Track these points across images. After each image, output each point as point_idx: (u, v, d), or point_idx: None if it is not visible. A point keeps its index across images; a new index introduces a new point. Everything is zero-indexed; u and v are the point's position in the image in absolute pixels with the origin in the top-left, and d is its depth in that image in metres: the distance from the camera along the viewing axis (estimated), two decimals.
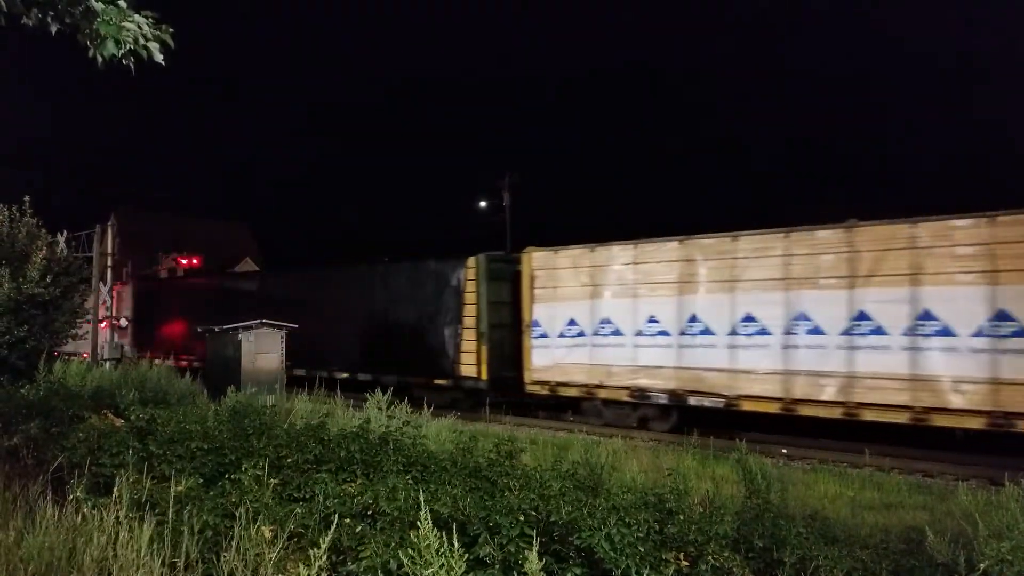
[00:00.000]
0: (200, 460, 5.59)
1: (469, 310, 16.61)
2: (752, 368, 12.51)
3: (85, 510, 4.60)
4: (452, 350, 16.91)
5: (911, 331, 11.00)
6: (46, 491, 5.35)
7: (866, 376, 11.37)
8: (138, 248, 44.56)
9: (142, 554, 4.16)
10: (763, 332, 12.43)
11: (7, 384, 10.28)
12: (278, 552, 3.99)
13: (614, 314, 14.34)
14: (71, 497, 4.98)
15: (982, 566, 3.67)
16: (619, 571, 3.52)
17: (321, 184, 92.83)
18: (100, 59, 4.25)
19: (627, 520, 3.89)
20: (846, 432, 12.08)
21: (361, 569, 3.70)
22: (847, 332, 11.59)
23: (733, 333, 12.74)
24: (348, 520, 4.22)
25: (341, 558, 3.98)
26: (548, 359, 15.24)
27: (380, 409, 8.45)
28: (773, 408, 12.28)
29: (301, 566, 3.57)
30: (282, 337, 15.54)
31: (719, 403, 12.82)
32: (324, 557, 3.64)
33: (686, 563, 3.82)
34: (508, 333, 16.45)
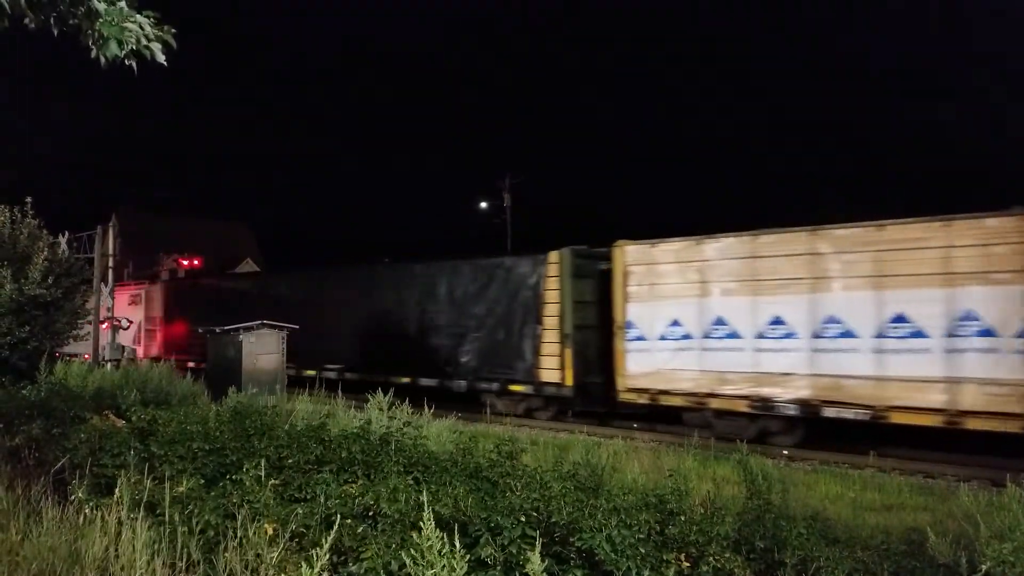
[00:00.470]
0: (201, 461, 5.59)
1: (550, 310, 15.28)
2: (906, 375, 11.03)
3: (87, 510, 4.62)
4: (530, 354, 15.54)
5: None
6: (48, 492, 5.37)
7: None
8: (139, 249, 44.60)
9: (143, 555, 4.17)
10: (918, 334, 11.04)
11: (9, 385, 10.29)
12: (279, 553, 3.99)
13: (729, 314, 12.80)
14: (73, 498, 5.00)
15: (983, 567, 3.67)
16: (620, 572, 3.52)
17: (320, 184, 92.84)
18: (103, 60, 4.26)
19: (628, 521, 3.89)
20: (846, 434, 12.08)
21: (363, 570, 3.70)
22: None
23: (880, 336, 11.31)
24: (349, 521, 4.22)
25: (342, 559, 3.98)
26: (646, 364, 13.73)
27: (381, 410, 8.45)
28: (934, 421, 10.81)
29: (303, 566, 3.58)
30: (283, 338, 15.56)
31: (864, 415, 11.37)
32: (326, 558, 3.64)
33: (687, 564, 3.82)
34: (593, 335, 15.15)
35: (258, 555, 4.02)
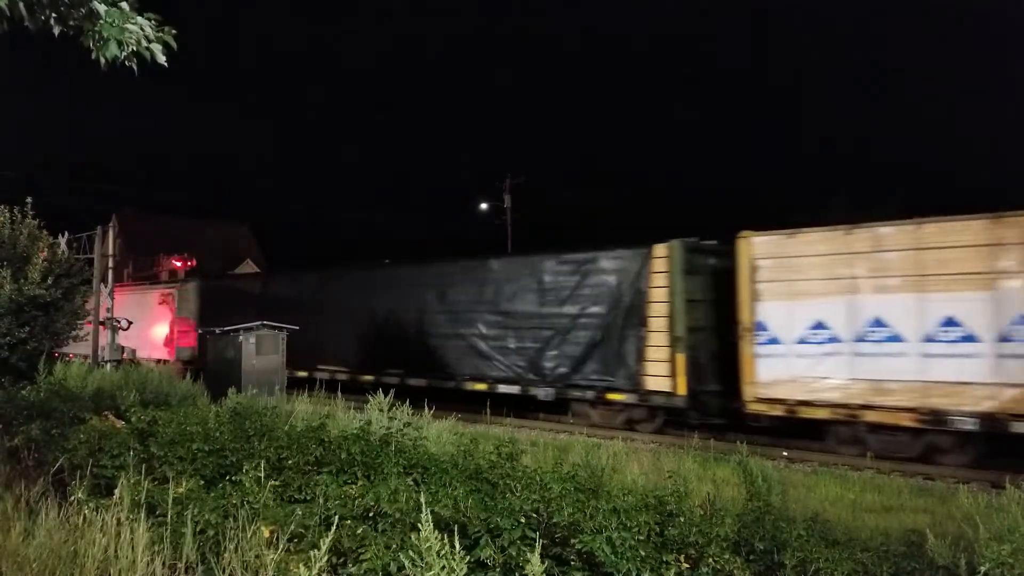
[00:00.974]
0: (201, 462, 5.60)
1: (658, 309, 13.67)
2: None
3: (86, 511, 4.62)
4: (634, 359, 13.93)
5: None
6: (47, 492, 5.37)
7: None
8: (139, 249, 44.65)
9: (143, 555, 4.18)
10: None
11: (8, 385, 10.30)
12: (279, 553, 3.99)
13: (888, 314, 11.29)
14: (72, 498, 5.00)
15: (982, 569, 3.67)
16: (620, 574, 3.52)
17: (320, 185, 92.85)
18: (103, 61, 4.27)
19: (628, 523, 3.89)
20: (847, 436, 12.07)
21: (362, 571, 3.70)
22: None
23: None
24: (349, 522, 4.23)
25: (342, 560, 3.99)
26: (782, 371, 12.16)
27: (381, 411, 8.45)
28: None
29: (302, 567, 3.58)
30: (282, 339, 15.55)
31: None
32: (324, 559, 3.64)
33: (687, 566, 3.82)
34: (706, 338, 13.70)
35: (258, 556, 4.03)
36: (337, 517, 4.16)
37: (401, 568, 3.47)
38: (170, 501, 4.55)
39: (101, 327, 21.92)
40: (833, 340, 11.77)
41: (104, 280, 22.33)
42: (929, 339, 10.94)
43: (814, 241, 12.10)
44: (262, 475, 5.08)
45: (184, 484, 5.03)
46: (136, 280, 35.24)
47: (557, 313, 15.19)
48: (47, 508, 4.79)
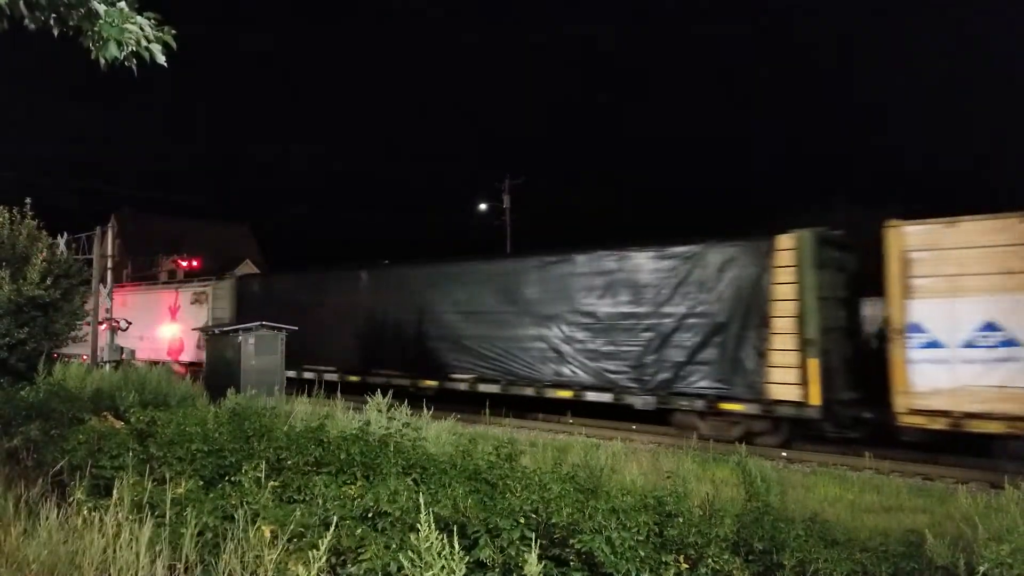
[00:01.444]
0: (200, 462, 5.59)
1: (785, 308, 12.18)
2: None
3: (85, 512, 4.62)
4: (753, 365, 12.43)
5: None
6: (47, 493, 5.37)
7: None
8: (138, 250, 44.69)
9: (142, 556, 4.18)
10: None
11: (7, 386, 10.29)
12: (278, 554, 3.99)
13: None
14: (72, 499, 5.00)
15: (981, 569, 3.68)
16: (620, 574, 3.52)
17: (319, 186, 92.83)
18: (102, 61, 4.26)
19: (627, 523, 3.89)
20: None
21: (361, 571, 3.70)
22: None
23: None
24: (348, 522, 4.23)
25: (341, 560, 3.99)
26: (943, 379, 10.80)
27: (380, 411, 8.45)
28: None
29: (301, 568, 3.58)
30: (281, 339, 15.54)
31: None
32: (324, 559, 3.64)
33: (686, 566, 3.82)
34: (840, 340, 12.34)
35: (257, 556, 4.03)
36: (336, 517, 4.16)
37: (400, 568, 3.47)
38: (169, 502, 4.56)
39: (104, 326, 21.94)
40: (1009, 343, 10.46)
41: (103, 280, 22.33)
42: None
43: (981, 231, 10.74)
44: (261, 476, 5.08)
45: (183, 485, 5.03)
46: (136, 280, 35.21)
47: (656, 312, 13.70)
48: (46, 509, 4.80)
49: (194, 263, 38.31)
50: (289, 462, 5.64)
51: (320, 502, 4.64)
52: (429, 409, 9.59)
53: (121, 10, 4.23)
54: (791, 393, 12.01)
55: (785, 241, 12.36)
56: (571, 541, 3.77)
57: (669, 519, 4.24)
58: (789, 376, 12.06)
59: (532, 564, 3.30)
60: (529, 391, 15.41)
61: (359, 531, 4.07)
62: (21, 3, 4.12)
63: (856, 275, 12.83)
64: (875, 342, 12.32)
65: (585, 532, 3.75)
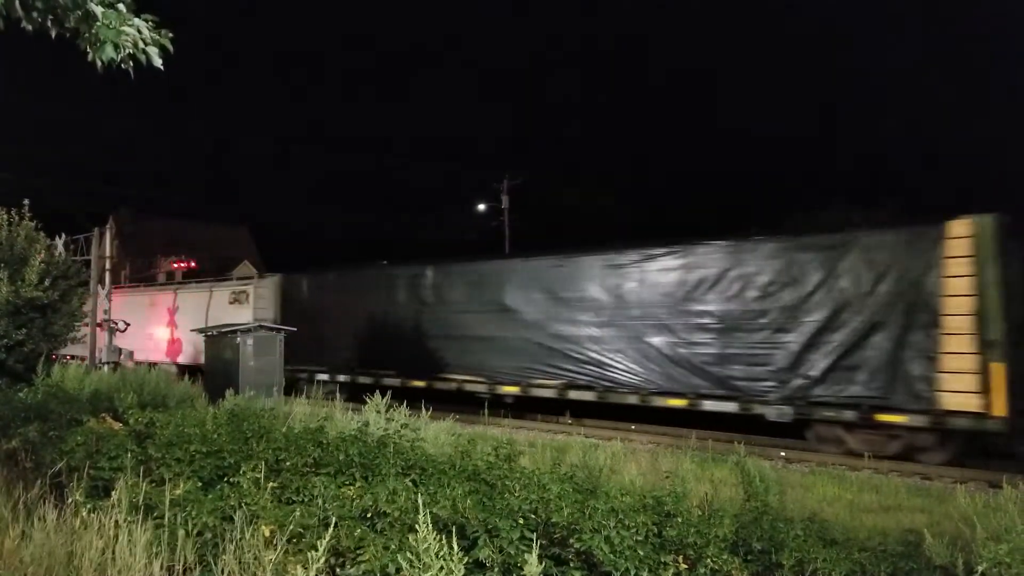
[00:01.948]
0: (199, 463, 5.59)
1: (959, 305, 10.70)
2: None
3: (84, 514, 4.62)
4: (920, 369, 10.91)
5: None
6: (45, 495, 5.36)
7: None
8: (136, 251, 44.67)
9: (140, 557, 4.18)
10: None
11: (5, 387, 10.29)
12: (277, 555, 3.99)
13: None
14: (70, 501, 5.00)
15: (980, 568, 3.68)
16: (619, 574, 3.53)
17: (319, 186, 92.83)
18: (99, 63, 4.26)
19: (626, 523, 3.90)
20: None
21: (360, 572, 3.70)
22: None
23: None
24: (347, 522, 4.23)
25: (340, 560, 3.99)
26: None
27: (379, 412, 8.45)
28: None
29: (299, 568, 3.58)
30: (280, 340, 15.55)
31: None
32: (322, 560, 3.64)
33: (685, 566, 3.83)
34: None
35: (256, 557, 4.03)
36: (335, 518, 4.16)
37: (399, 569, 3.47)
38: (167, 503, 4.55)
39: (101, 328, 21.91)
40: None
41: (101, 282, 22.32)
42: None
43: None
44: (260, 477, 5.08)
45: (182, 486, 5.02)
46: (134, 281, 35.20)
47: (794, 310, 12.18)
48: (44, 511, 4.79)
49: (191, 264, 38.32)
50: (288, 463, 5.64)
51: (319, 503, 4.64)
52: (427, 410, 9.63)
53: (118, 12, 4.23)
54: (968, 403, 10.45)
55: (959, 228, 10.82)
56: (570, 541, 3.77)
57: (668, 519, 4.24)
58: (966, 383, 10.50)
59: (531, 564, 3.30)
60: (632, 399, 13.96)
61: (358, 532, 4.07)
62: (18, 4, 4.12)
63: None
64: None
65: (584, 532, 3.76)
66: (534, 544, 3.54)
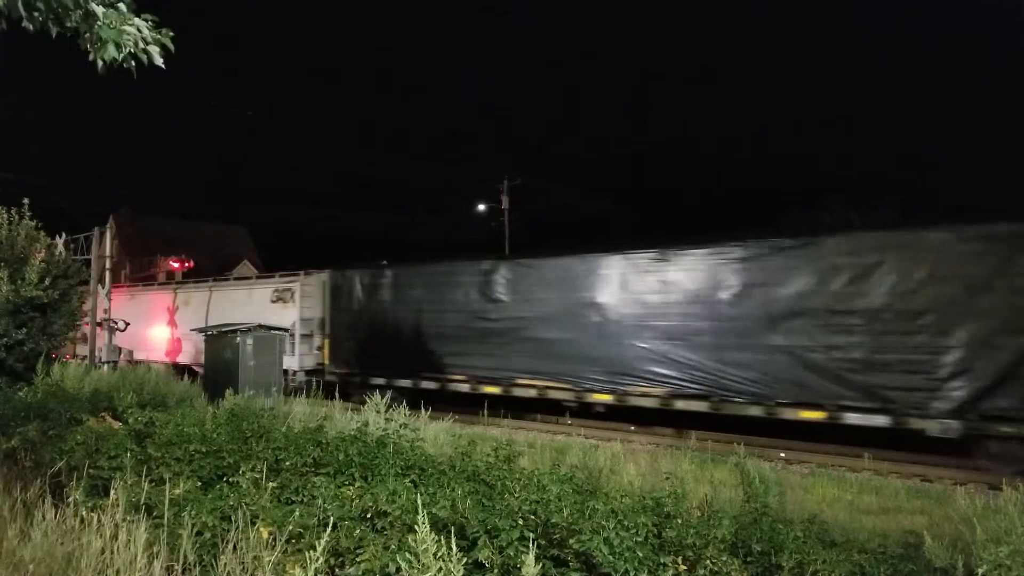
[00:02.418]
0: (198, 463, 5.59)
1: None
2: None
3: (83, 513, 4.62)
4: None
5: None
6: (44, 494, 5.36)
7: None
8: (136, 251, 44.68)
9: (140, 557, 4.17)
10: None
11: (5, 387, 10.29)
12: (276, 555, 3.99)
13: None
14: (69, 500, 5.00)
15: (980, 571, 3.68)
16: (618, 575, 3.53)
17: (318, 186, 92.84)
18: (100, 63, 4.26)
19: (625, 524, 3.89)
20: (842, 437, 12.10)
21: (360, 572, 3.70)
22: None
23: None
24: (346, 523, 4.23)
25: (339, 560, 3.99)
26: None
27: (378, 412, 8.45)
28: None
29: (299, 568, 3.58)
30: (279, 340, 15.56)
31: None
32: (322, 560, 3.64)
33: (684, 567, 3.82)
34: None
35: (255, 557, 4.03)
36: (334, 518, 4.16)
37: (399, 569, 3.47)
38: (167, 502, 4.55)
39: (100, 327, 21.91)
40: None
41: (101, 281, 22.32)
42: None
43: None
44: (260, 476, 5.08)
45: (181, 485, 5.02)
46: (134, 280, 35.19)
47: (958, 309, 10.64)
48: (44, 510, 4.79)
49: (189, 264, 38.36)
50: (287, 463, 5.63)
51: (319, 503, 4.64)
52: (426, 410, 9.63)
53: (119, 12, 4.23)
54: None
55: None
56: (570, 541, 3.77)
57: (667, 520, 4.24)
58: None
59: (530, 565, 3.30)
60: (755, 411, 12.32)
61: (357, 532, 4.07)
62: (19, 4, 4.12)
63: None
64: None
65: (584, 533, 3.75)
66: (533, 545, 3.54)
